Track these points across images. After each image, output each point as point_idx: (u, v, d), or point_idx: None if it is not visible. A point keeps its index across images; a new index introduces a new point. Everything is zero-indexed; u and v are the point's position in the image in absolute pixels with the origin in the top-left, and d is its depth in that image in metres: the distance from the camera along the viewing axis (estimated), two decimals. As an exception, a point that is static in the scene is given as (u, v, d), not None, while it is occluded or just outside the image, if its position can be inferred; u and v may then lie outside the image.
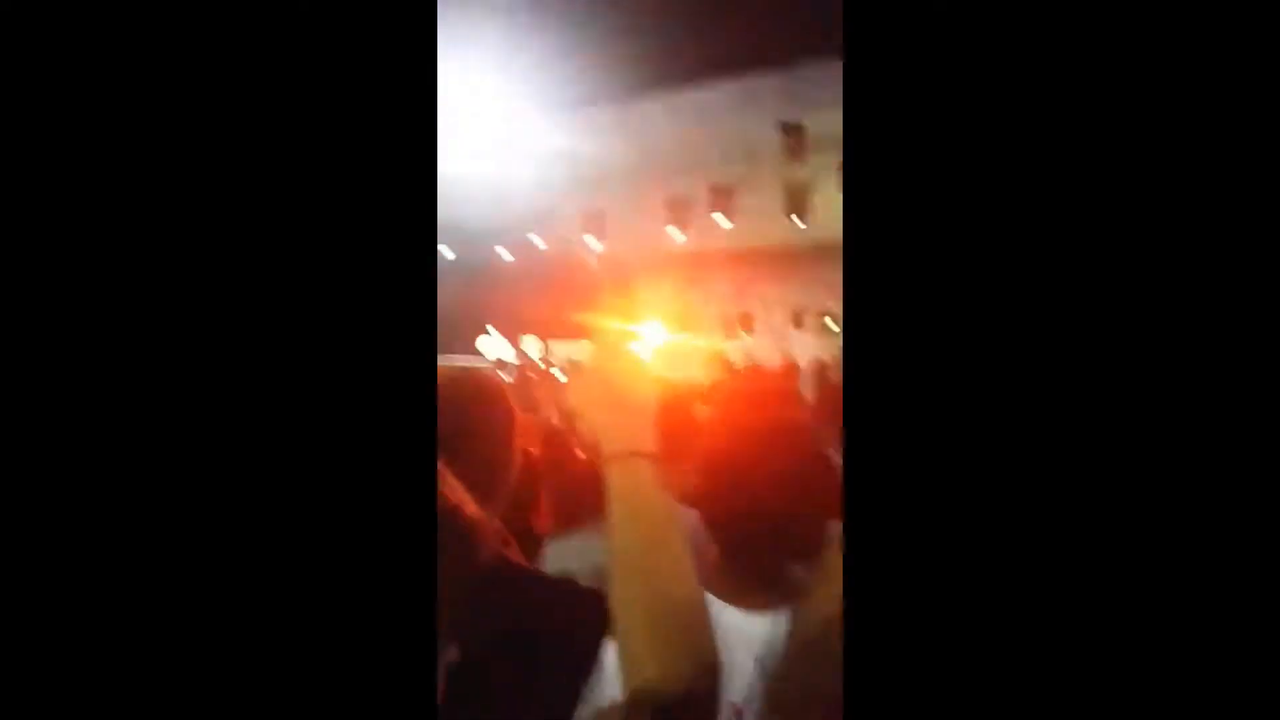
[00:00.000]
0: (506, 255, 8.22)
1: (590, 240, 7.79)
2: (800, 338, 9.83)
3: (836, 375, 7.61)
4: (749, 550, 0.91)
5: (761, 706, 0.81)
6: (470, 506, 0.69)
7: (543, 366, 8.21)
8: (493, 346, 8.66)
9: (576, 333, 10.15)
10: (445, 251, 8.36)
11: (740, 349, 10.12)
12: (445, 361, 0.89)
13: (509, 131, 5.55)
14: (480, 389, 0.98)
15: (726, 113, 5.46)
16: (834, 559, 1.14)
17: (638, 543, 0.65)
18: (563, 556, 1.28)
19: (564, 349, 9.36)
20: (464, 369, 1.01)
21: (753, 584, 0.90)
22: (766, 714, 0.80)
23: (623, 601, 0.64)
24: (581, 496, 1.70)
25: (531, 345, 9.34)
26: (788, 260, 9.50)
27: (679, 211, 6.93)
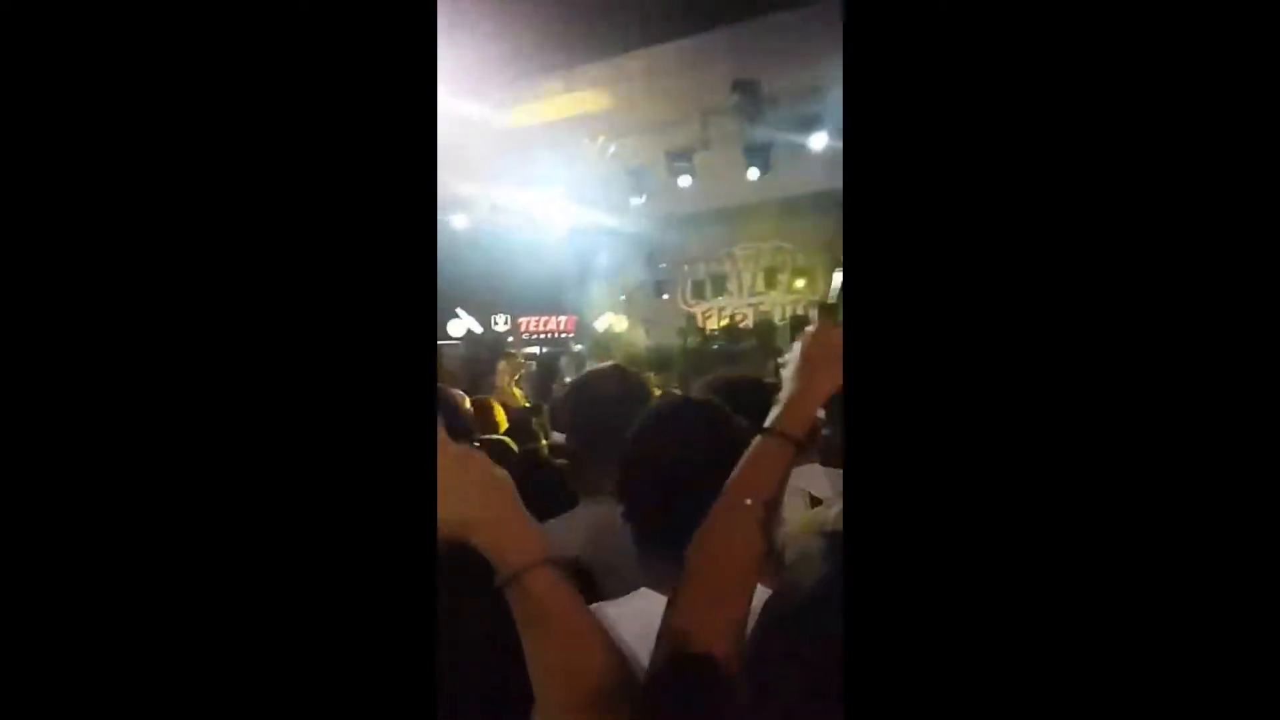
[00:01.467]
0: (462, 228, 8.04)
1: (553, 211, 7.66)
2: (773, 297, 9.80)
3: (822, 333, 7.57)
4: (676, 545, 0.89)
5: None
6: None
7: (510, 347, 8.12)
8: (462, 327, 8.54)
9: (546, 309, 10.09)
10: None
11: (715, 310, 10.09)
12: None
13: (447, 111, 5.39)
14: None
15: (678, 73, 5.33)
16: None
17: (556, 654, 0.63)
18: None
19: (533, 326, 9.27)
20: None
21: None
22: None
23: (544, 699, 0.64)
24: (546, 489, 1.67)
25: (501, 323, 9.23)
26: (754, 219, 9.41)
27: (639, 177, 6.81)
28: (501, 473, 0.67)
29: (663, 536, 0.90)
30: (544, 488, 1.65)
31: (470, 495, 0.63)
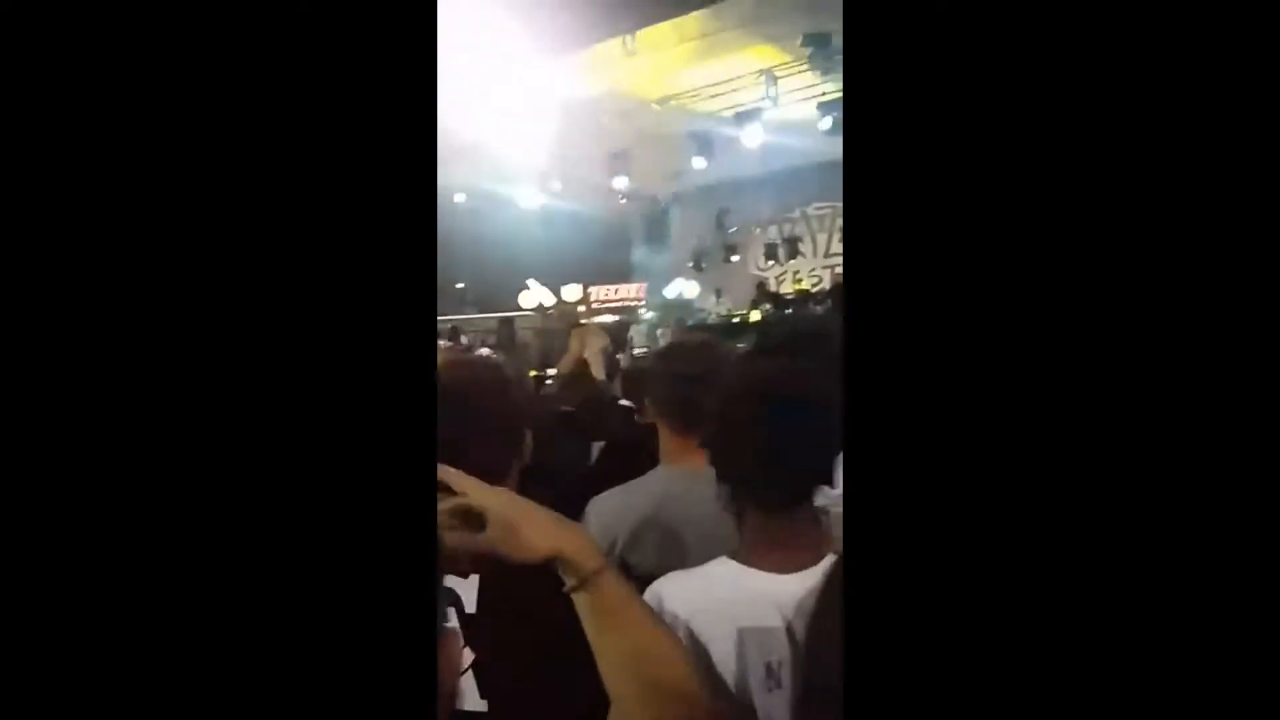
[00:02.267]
0: (533, 202, 8.09)
1: (618, 180, 7.61)
2: (847, 257, 9.52)
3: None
4: (770, 509, 0.91)
5: (797, 662, 0.84)
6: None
7: (583, 313, 8.17)
8: (533, 298, 8.65)
9: (617, 277, 10.11)
10: (460, 199, 8.28)
11: (789, 273, 9.90)
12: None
13: (522, 77, 5.39)
14: (477, 375, 1.01)
15: (745, 30, 5.17)
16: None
17: (626, 659, 0.67)
18: (604, 512, 1.27)
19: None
20: (460, 357, 0.99)
21: (777, 544, 0.90)
22: (804, 669, 0.83)
23: (620, 692, 0.67)
24: (628, 451, 1.68)
25: (572, 292, 9.30)
26: (827, 178, 9.15)
27: (707, 138, 6.68)
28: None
29: (754, 499, 0.90)
30: (622, 458, 1.65)
31: (548, 518, 0.71)
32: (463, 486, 0.69)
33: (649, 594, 0.91)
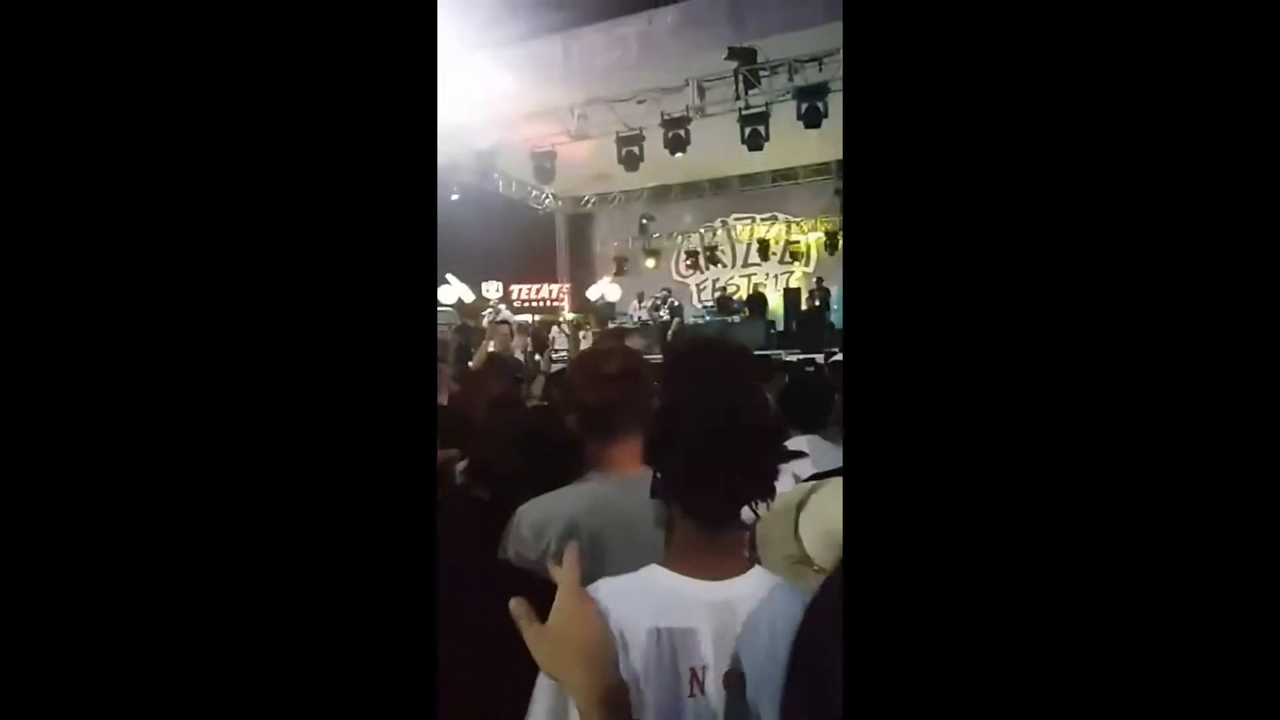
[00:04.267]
0: (455, 194, 7.92)
1: (547, 179, 7.57)
2: (766, 268, 9.77)
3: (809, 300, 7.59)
4: (707, 519, 0.92)
5: (721, 670, 0.85)
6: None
7: (505, 311, 8.07)
8: (453, 294, 8.48)
9: (536, 277, 10.03)
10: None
11: (709, 281, 10.06)
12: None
13: (444, 71, 5.29)
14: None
15: (674, 40, 5.24)
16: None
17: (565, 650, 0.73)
18: (535, 518, 1.26)
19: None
20: None
21: (707, 552, 0.91)
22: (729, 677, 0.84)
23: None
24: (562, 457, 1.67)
25: (493, 290, 9.18)
26: (749, 190, 9.36)
27: (631, 145, 6.72)
28: (609, 638, 0.76)
29: (691, 511, 0.91)
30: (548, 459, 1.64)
31: (578, 655, 0.74)
32: None
33: None
